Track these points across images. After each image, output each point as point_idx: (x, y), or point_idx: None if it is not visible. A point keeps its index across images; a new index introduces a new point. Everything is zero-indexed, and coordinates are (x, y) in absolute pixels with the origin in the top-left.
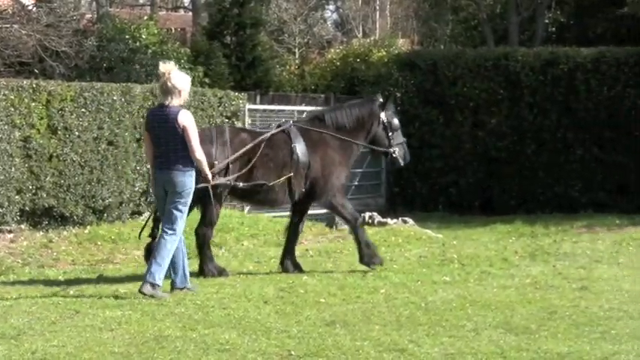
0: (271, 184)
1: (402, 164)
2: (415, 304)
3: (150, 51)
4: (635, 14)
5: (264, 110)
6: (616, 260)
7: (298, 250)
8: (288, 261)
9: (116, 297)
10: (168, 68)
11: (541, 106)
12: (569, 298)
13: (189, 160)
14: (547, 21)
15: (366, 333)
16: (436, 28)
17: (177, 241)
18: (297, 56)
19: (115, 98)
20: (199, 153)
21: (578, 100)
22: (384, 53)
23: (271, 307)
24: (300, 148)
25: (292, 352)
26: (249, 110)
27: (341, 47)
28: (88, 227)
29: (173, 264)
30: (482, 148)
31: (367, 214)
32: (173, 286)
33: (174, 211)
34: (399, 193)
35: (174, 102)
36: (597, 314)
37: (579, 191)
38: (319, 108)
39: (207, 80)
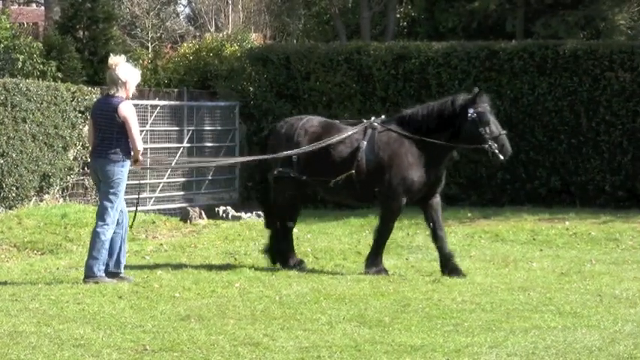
0: (333, 181)
1: (500, 159)
2: (270, 298)
3: (2, 46)
4: (486, 9)
5: None
6: (468, 253)
7: (152, 245)
8: (445, 267)
9: None
10: (116, 61)
11: (393, 101)
12: (422, 291)
13: (121, 151)
14: (398, 15)
15: (220, 327)
16: (288, 23)
17: (111, 231)
18: (150, 51)
19: None
20: (139, 144)
21: (430, 94)
22: (237, 48)
23: (126, 302)
24: (367, 146)
25: (147, 347)
26: None
27: (194, 42)
28: None
29: (110, 248)
30: None
31: (221, 209)
32: (106, 270)
33: (105, 202)
34: (253, 187)
35: (119, 93)
36: (450, 307)
37: None
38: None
39: (60, 75)
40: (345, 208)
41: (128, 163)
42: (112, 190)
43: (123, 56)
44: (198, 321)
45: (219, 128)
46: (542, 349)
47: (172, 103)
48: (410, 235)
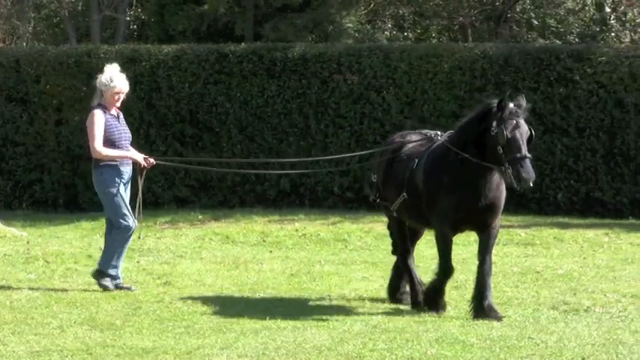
0: (394, 206)
1: (514, 186)
2: (0, 303)
3: None
4: (215, 12)
5: None
6: (199, 255)
7: None
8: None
9: None
10: (106, 68)
11: (127, 104)
12: (153, 294)
13: (98, 159)
14: (129, 18)
15: None
16: (18, 26)
17: (124, 233)
18: None
19: None
20: (100, 151)
21: (161, 97)
22: None
23: None
24: (419, 165)
25: None
26: None
27: None
28: None
29: (119, 253)
30: (66, 145)
31: None
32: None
33: (106, 210)
34: None
35: (95, 102)
36: (181, 309)
37: (162, 187)
38: None
39: None
40: (76, 210)
41: (110, 169)
42: (103, 198)
43: (114, 64)
44: None
45: None
46: (273, 350)
47: None
48: (140, 238)
